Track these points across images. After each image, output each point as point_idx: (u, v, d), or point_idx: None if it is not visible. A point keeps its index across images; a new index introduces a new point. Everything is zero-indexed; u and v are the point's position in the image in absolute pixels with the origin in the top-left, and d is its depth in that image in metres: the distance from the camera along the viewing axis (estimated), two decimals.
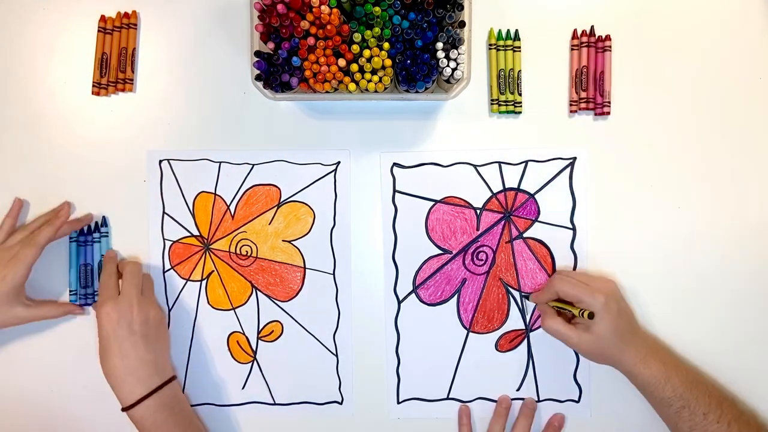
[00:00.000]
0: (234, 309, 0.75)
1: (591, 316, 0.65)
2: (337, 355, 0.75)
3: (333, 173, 0.74)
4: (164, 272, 0.75)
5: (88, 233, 0.74)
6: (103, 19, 0.74)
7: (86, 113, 0.75)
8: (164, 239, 0.75)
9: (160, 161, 0.74)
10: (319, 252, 0.75)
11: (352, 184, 0.74)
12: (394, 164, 0.75)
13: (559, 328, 0.68)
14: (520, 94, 0.73)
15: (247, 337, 0.75)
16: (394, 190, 0.75)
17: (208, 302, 0.75)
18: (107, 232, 0.74)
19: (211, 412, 0.75)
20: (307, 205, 0.75)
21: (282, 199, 0.75)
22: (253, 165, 0.74)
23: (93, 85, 0.74)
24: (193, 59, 0.75)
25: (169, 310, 0.75)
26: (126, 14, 0.74)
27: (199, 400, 0.75)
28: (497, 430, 0.72)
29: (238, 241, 0.75)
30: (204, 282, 0.75)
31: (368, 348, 0.75)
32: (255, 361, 0.75)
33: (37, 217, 0.73)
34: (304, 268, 0.75)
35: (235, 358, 0.75)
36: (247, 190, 0.75)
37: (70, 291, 0.74)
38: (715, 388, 0.67)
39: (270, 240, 0.75)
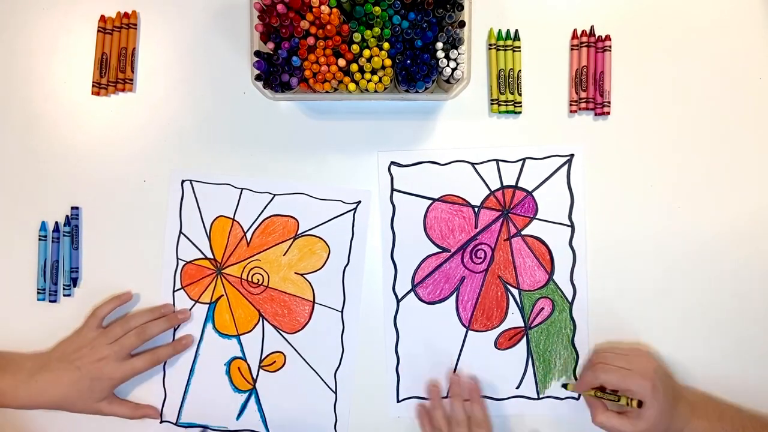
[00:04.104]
0: (239, 335, 0.75)
1: (639, 404, 0.65)
2: (336, 393, 0.75)
3: (353, 212, 0.74)
4: (174, 291, 0.75)
5: (55, 230, 0.74)
6: (103, 19, 0.74)
7: (86, 113, 0.75)
8: (178, 259, 0.75)
9: (183, 181, 0.74)
10: (330, 288, 0.75)
11: (370, 224, 0.74)
12: (392, 163, 0.75)
13: (615, 423, 0.67)
14: (520, 94, 0.74)
15: (248, 365, 0.75)
16: (392, 189, 0.75)
17: (214, 326, 0.75)
18: (69, 231, 0.74)
19: None
20: (323, 240, 0.75)
21: (299, 232, 0.75)
22: (275, 195, 0.75)
23: (93, 85, 0.74)
24: (193, 59, 0.75)
25: (175, 330, 0.75)
26: (126, 14, 0.74)
27: (194, 420, 0.75)
28: (438, 417, 0.72)
29: (251, 269, 0.75)
30: (212, 305, 0.75)
31: (367, 347, 0.75)
32: (254, 390, 0.75)
33: (148, 309, 0.74)
34: (314, 302, 0.75)
35: (234, 385, 0.75)
36: (265, 219, 0.75)
37: (39, 290, 0.74)
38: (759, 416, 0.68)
39: (282, 271, 0.75)
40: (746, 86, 0.73)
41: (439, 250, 0.75)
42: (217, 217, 0.75)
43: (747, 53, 0.74)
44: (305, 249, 0.75)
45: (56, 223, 0.74)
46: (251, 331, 0.75)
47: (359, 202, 0.75)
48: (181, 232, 0.74)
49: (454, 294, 0.75)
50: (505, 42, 0.73)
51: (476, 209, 0.75)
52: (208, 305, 0.75)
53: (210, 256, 0.75)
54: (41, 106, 0.75)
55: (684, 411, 0.67)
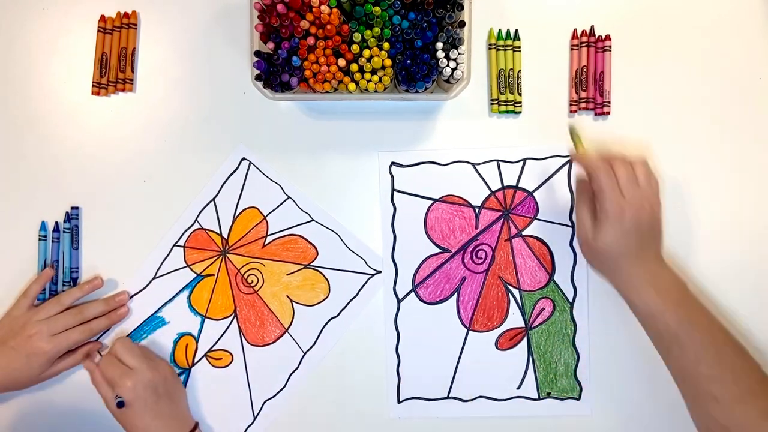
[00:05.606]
0: (205, 317, 0.75)
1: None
2: (256, 418, 0.75)
3: (368, 276, 0.75)
4: (174, 245, 0.75)
5: (55, 230, 0.74)
6: (103, 19, 0.74)
7: (86, 113, 0.75)
8: (196, 220, 0.75)
9: (243, 159, 0.74)
10: (308, 328, 0.75)
11: (377, 298, 0.74)
12: (393, 163, 0.75)
13: (581, 215, 0.66)
14: (520, 94, 0.74)
15: (197, 347, 0.75)
16: (393, 189, 0.75)
17: (189, 297, 0.75)
18: (69, 228, 0.74)
19: None
20: (327, 283, 0.75)
21: (312, 263, 0.75)
22: (313, 219, 0.75)
23: (93, 85, 0.74)
24: (193, 59, 0.75)
25: (154, 278, 0.75)
26: (126, 14, 0.74)
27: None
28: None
29: (252, 269, 0.75)
30: (199, 278, 0.75)
31: (368, 347, 0.75)
32: (188, 371, 0.75)
33: (76, 288, 0.73)
34: (286, 330, 0.75)
35: (174, 357, 0.75)
36: (293, 234, 0.75)
37: None
38: (728, 339, 0.62)
39: (278, 287, 0.75)
40: (746, 86, 0.74)
41: (440, 251, 0.75)
42: (251, 207, 0.75)
43: (747, 53, 0.74)
44: (308, 281, 0.75)
45: (56, 222, 0.74)
46: (218, 320, 0.75)
47: (379, 271, 0.75)
48: (213, 199, 0.75)
49: (455, 294, 0.75)
50: (505, 42, 0.73)
51: (477, 209, 0.75)
52: (195, 275, 0.75)
53: (225, 235, 0.75)
54: (41, 106, 0.75)
55: (637, 276, 0.63)
